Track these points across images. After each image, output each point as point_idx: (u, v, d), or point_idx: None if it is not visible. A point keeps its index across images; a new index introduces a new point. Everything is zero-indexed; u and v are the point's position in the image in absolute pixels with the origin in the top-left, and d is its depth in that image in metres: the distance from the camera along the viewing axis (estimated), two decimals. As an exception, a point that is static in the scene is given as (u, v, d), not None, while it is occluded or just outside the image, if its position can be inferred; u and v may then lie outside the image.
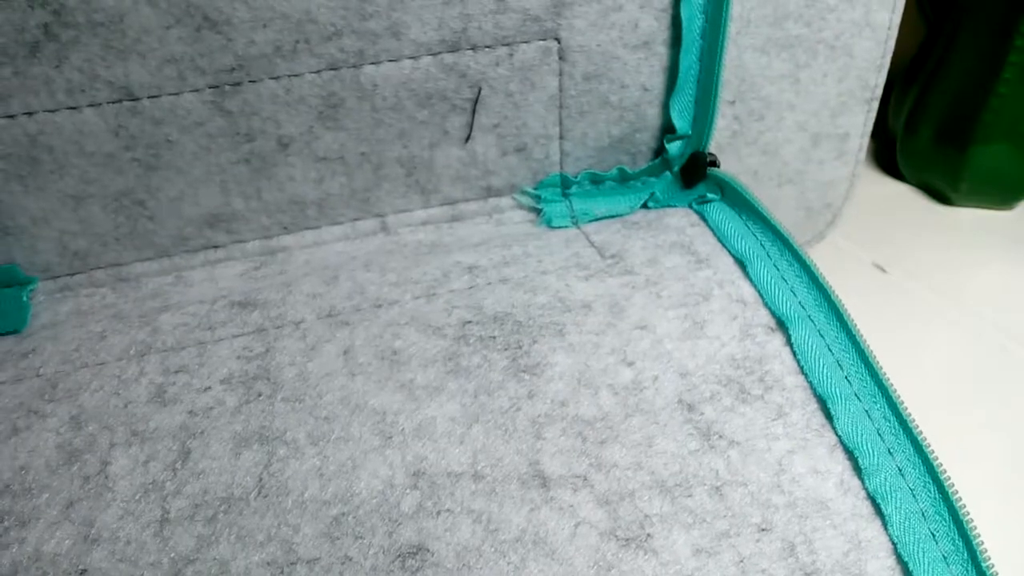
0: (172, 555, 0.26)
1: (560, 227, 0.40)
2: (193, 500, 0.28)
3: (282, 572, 0.26)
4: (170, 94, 0.35)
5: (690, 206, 0.40)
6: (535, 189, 0.41)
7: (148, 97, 0.34)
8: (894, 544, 0.26)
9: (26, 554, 0.27)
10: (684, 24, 0.36)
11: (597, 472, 0.28)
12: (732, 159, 0.42)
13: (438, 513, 0.27)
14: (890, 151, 0.60)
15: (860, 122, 0.42)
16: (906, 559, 0.25)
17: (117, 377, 0.33)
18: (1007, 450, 0.39)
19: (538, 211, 0.41)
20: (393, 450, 0.29)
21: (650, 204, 0.40)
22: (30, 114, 0.34)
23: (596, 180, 0.41)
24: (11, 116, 0.34)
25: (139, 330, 0.35)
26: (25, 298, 0.37)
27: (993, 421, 0.41)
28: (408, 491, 0.28)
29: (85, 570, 0.26)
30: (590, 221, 0.40)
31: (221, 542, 0.27)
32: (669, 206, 0.40)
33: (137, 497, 0.28)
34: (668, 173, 0.41)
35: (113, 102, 0.34)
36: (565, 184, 0.41)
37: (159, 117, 0.35)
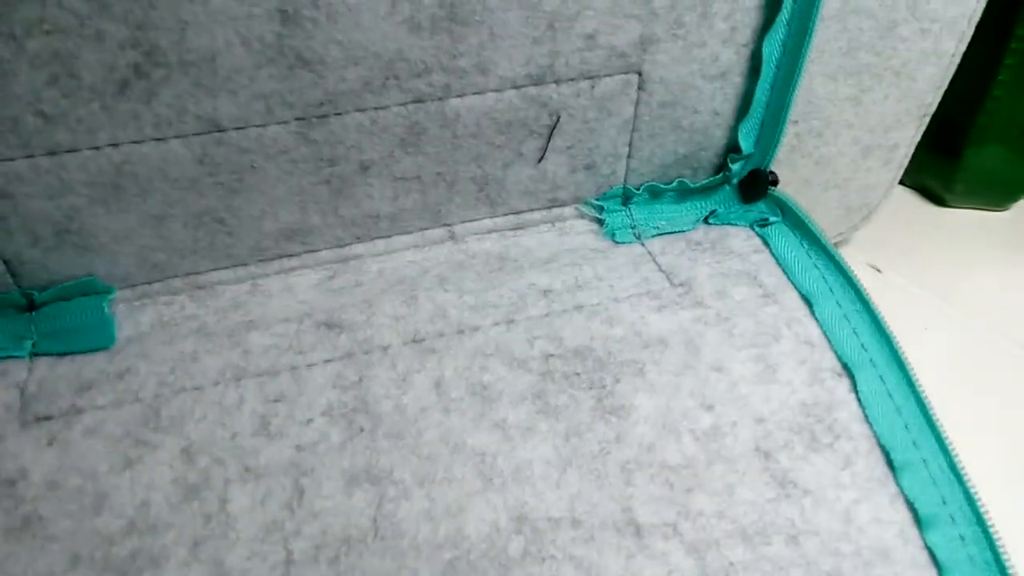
0: None
1: (624, 242, 0.41)
2: (313, 541, 0.31)
3: None
4: (256, 126, 0.34)
5: (751, 228, 0.41)
6: (598, 200, 0.42)
7: (234, 128, 0.34)
8: (949, 593, 0.29)
9: None
10: (764, 58, 0.37)
11: (685, 520, 0.31)
12: (786, 169, 0.43)
13: (543, 560, 0.30)
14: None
15: (910, 135, 0.44)
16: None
17: (218, 404, 0.35)
18: (1004, 449, 0.41)
19: (600, 221, 0.42)
20: (495, 493, 0.32)
21: (711, 220, 0.42)
22: (115, 145, 0.34)
23: (656, 192, 0.42)
24: (96, 148, 0.34)
25: (231, 351, 0.37)
26: (107, 309, 0.38)
27: (989, 420, 0.42)
28: (513, 536, 0.31)
29: None
30: (653, 236, 0.41)
31: None
32: (730, 223, 0.42)
33: (260, 537, 0.31)
34: (727, 186, 0.42)
35: (199, 134, 0.34)
36: (627, 195, 0.42)
37: (244, 146, 0.35)
